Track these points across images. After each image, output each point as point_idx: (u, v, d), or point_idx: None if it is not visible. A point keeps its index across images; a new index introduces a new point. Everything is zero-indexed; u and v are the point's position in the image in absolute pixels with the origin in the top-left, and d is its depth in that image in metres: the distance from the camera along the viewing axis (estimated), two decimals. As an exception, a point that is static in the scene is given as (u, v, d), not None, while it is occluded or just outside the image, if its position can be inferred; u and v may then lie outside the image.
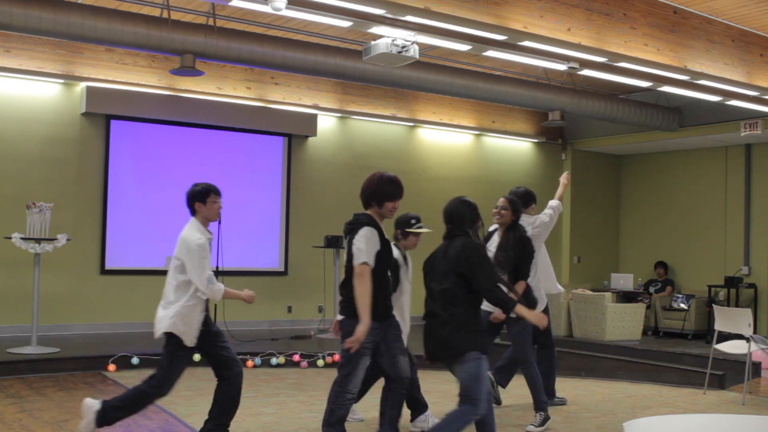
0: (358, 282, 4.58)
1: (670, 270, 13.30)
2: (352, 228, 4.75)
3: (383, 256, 4.72)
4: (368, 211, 4.81)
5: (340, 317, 4.82)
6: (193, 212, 5.23)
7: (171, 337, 5.04)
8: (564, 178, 7.13)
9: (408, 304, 5.76)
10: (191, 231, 5.16)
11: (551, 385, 6.97)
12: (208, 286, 5.02)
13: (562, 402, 7.07)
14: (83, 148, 10.17)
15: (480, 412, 4.52)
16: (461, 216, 4.83)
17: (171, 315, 5.02)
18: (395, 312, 5.28)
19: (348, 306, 4.72)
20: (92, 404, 5.05)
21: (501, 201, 6.29)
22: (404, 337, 5.70)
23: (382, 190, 4.79)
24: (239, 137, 11.21)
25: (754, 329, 7.72)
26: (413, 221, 5.87)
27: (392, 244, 5.87)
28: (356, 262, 4.62)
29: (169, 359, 5.08)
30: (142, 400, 5.11)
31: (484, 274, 4.53)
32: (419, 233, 5.84)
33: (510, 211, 6.18)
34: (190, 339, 5.05)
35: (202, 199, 5.20)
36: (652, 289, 12.75)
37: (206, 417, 5.22)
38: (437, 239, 4.99)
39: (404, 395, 5.19)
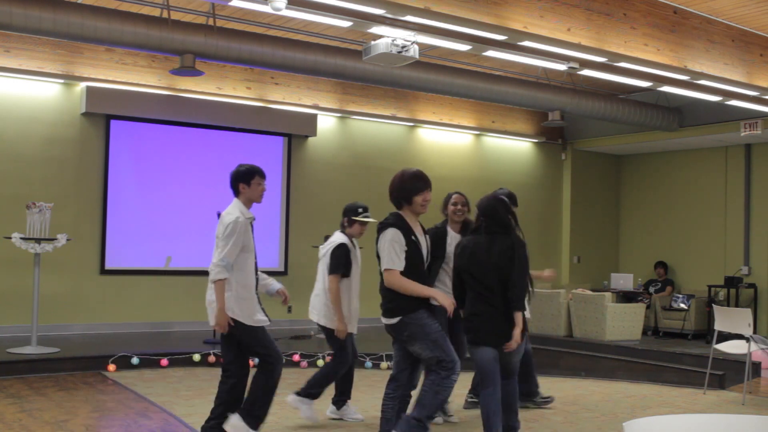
0: (395, 285, 4.66)
1: (670, 270, 13.30)
2: (379, 230, 4.81)
3: (412, 255, 4.72)
4: (400, 211, 4.83)
5: (386, 320, 4.80)
6: (237, 193, 5.29)
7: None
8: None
9: (357, 288, 5.98)
10: (231, 209, 5.22)
11: (532, 387, 6.78)
12: (218, 264, 4.99)
13: (548, 401, 6.90)
14: (83, 148, 10.17)
15: None
16: (495, 211, 5.04)
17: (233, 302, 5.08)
18: (345, 296, 5.82)
19: (389, 307, 4.75)
20: (293, 400, 5.54)
21: (458, 197, 6.30)
22: (354, 321, 5.96)
23: (405, 186, 4.79)
24: (239, 137, 11.21)
25: (753, 329, 7.72)
26: (360, 210, 5.96)
27: (339, 231, 6.02)
28: (381, 267, 4.71)
29: (255, 338, 5.13)
30: (267, 383, 5.18)
31: (522, 271, 4.86)
32: (365, 222, 5.98)
33: (467, 208, 6.27)
34: (262, 319, 5.19)
35: (246, 180, 5.26)
36: (652, 289, 12.75)
37: (208, 415, 5.21)
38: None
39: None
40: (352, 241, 6.05)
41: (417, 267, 4.73)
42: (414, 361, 4.94)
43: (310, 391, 5.95)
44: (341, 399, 6.15)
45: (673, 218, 13.66)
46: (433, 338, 4.69)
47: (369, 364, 8.62)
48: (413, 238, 4.74)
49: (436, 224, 6.35)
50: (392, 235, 4.68)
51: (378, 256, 4.81)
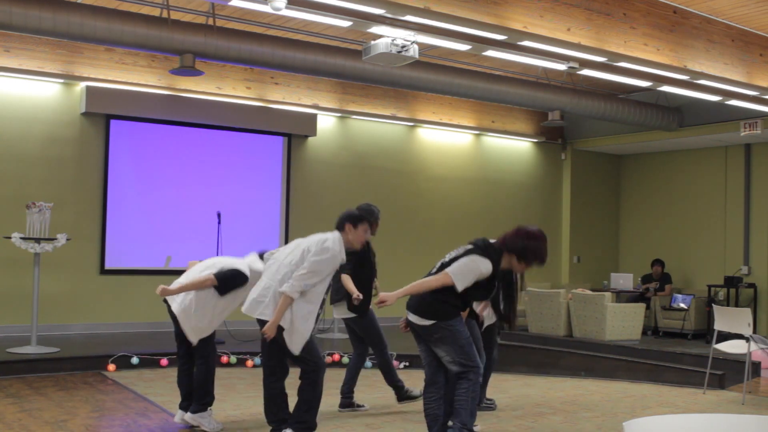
0: (433, 279, 4.71)
1: (670, 270, 13.26)
2: (475, 250, 4.79)
3: (479, 290, 4.82)
4: (499, 249, 4.85)
5: (419, 320, 4.80)
6: (341, 229, 5.32)
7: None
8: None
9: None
10: (335, 242, 5.21)
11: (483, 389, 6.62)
12: (298, 283, 5.04)
13: (490, 407, 6.73)
14: (83, 148, 10.17)
15: None
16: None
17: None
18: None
19: (426, 310, 4.75)
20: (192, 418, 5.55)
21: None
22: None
23: (537, 250, 4.83)
24: (239, 137, 11.21)
25: (753, 329, 7.72)
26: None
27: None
28: (449, 271, 4.71)
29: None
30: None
31: None
32: None
33: None
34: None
35: (355, 223, 5.30)
36: (652, 289, 12.72)
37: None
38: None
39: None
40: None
41: (477, 296, 4.89)
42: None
43: (205, 401, 5.71)
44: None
45: (672, 218, 13.66)
46: (460, 344, 4.79)
47: (369, 363, 8.60)
48: (493, 274, 4.81)
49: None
50: (486, 267, 4.73)
51: (443, 264, 4.83)
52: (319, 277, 5.06)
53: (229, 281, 5.63)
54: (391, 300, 4.68)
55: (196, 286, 5.60)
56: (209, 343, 5.78)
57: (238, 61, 8.77)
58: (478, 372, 4.84)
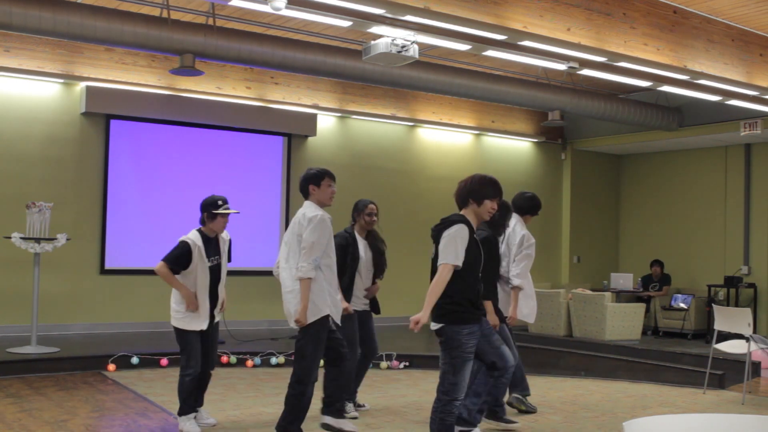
0: (436, 279, 4.51)
1: (670, 270, 13.27)
2: (442, 226, 4.66)
3: (473, 254, 4.59)
4: (462, 211, 4.75)
5: (435, 325, 4.60)
6: (307, 195, 5.36)
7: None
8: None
9: (206, 284, 5.77)
10: (310, 209, 5.27)
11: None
12: (309, 263, 5.06)
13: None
14: (83, 148, 10.17)
15: None
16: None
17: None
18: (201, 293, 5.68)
19: (438, 312, 4.57)
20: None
21: (373, 207, 6.46)
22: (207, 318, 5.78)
23: (483, 188, 4.70)
24: (239, 137, 11.21)
25: (753, 329, 7.72)
26: (220, 202, 5.80)
27: (197, 230, 5.84)
28: (439, 262, 4.55)
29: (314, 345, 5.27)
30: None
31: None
32: (227, 214, 5.83)
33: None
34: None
35: (316, 182, 5.32)
36: (651, 290, 12.72)
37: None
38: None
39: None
40: (217, 237, 5.86)
41: (476, 266, 4.65)
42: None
43: (179, 409, 5.66)
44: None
45: (672, 218, 13.66)
46: (455, 355, 4.52)
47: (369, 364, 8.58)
48: (474, 236, 4.65)
49: (345, 228, 6.35)
50: (458, 230, 4.56)
51: (435, 255, 4.64)
52: (321, 247, 5.12)
53: (176, 256, 5.74)
54: (424, 319, 4.45)
55: (171, 284, 5.71)
56: (188, 354, 5.68)
57: (238, 61, 8.77)
58: (449, 403, 4.53)
